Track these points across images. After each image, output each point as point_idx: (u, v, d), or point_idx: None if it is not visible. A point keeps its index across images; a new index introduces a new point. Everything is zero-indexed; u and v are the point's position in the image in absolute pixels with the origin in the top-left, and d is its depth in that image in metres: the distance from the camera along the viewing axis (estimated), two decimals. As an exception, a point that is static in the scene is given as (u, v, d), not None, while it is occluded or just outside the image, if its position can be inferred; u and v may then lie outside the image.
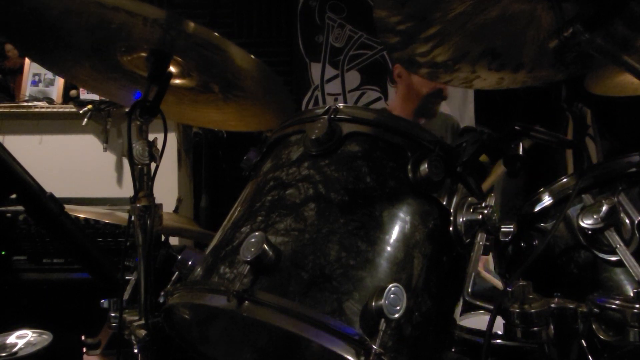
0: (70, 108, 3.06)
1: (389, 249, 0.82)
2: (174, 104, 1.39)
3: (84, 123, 2.99)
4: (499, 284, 1.81)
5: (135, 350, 1.10)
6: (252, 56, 1.13)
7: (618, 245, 0.91)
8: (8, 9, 1.10)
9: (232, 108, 1.41)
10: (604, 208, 0.92)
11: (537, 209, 1.07)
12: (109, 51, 1.19)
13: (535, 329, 0.79)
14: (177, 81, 1.28)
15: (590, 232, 0.95)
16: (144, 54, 1.18)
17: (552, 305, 0.80)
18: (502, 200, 3.16)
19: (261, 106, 1.40)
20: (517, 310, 0.80)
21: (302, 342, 0.97)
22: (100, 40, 1.16)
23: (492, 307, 0.81)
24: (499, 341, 1.08)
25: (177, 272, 0.98)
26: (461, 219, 0.88)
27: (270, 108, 1.40)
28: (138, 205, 1.16)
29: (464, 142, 0.94)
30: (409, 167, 0.88)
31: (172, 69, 1.22)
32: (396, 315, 0.74)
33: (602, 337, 0.77)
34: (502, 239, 1.01)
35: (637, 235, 0.92)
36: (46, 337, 1.70)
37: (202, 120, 1.62)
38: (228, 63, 1.21)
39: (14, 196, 1.56)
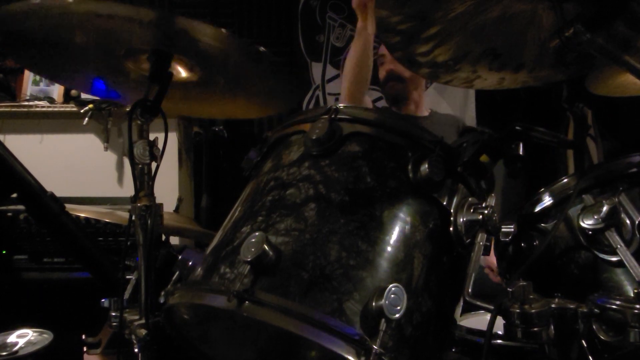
0: (71, 107, 3.06)
1: (389, 249, 0.82)
2: (182, 98, 1.38)
3: (84, 122, 2.99)
4: None
5: (136, 350, 1.10)
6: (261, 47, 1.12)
7: (618, 246, 0.91)
8: (3, 30, 1.10)
9: (240, 97, 1.40)
10: (605, 208, 0.92)
11: (537, 209, 1.07)
12: (109, 55, 1.19)
13: (535, 329, 0.79)
14: (184, 75, 1.27)
15: (590, 232, 0.95)
16: (143, 55, 1.18)
17: (553, 306, 0.80)
18: (502, 200, 3.15)
19: (269, 92, 1.39)
20: (518, 311, 0.80)
21: (302, 342, 0.97)
22: (101, 48, 1.16)
23: (492, 307, 0.81)
24: (499, 341, 1.07)
25: (177, 272, 0.98)
26: (461, 219, 0.88)
27: (278, 92, 1.39)
28: (139, 204, 1.16)
29: (464, 142, 0.94)
30: (410, 167, 0.88)
31: (178, 67, 1.22)
32: (396, 316, 0.74)
33: (602, 337, 0.77)
34: (502, 239, 1.01)
35: (638, 235, 0.92)
36: (47, 337, 1.70)
37: (213, 112, 1.61)
38: (229, 57, 1.20)
39: (14, 195, 1.56)
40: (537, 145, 0.97)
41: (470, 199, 0.90)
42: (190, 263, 0.96)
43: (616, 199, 0.93)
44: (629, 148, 1.05)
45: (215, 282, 0.83)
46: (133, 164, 1.16)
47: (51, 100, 3.15)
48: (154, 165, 1.19)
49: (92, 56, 1.22)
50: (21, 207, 2.38)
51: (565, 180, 1.06)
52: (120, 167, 3.09)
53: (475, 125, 3.41)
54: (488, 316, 0.82)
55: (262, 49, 1.13)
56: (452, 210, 0.88)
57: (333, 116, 0.92)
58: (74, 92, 3.12)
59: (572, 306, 0.80)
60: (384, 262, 0.81)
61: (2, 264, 2.56)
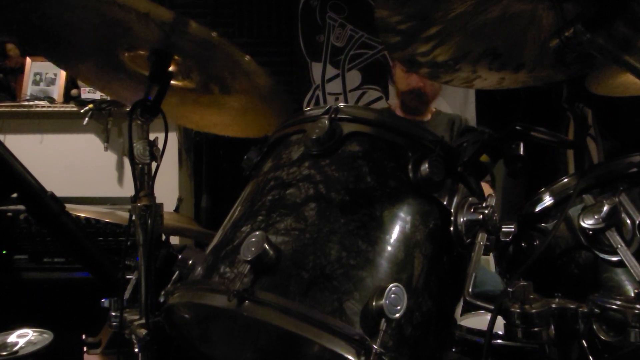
0: (71, 107, 3.07)
1: (389, 248, 0.82)
2: (177, 105, 1.39)
3: (85, 122, 2.99)
4: None
5: (136, 350, 1.10)
6: (248, 56, 1.13)
7: (619, 246, 0.91)
8: (10, 10, 1.10)
9: (232, 111, 1.41)
10: (605, 208, 0.92)
11: (538, 209, 1.07)
12: (112, 50, 1.19)
13: (535, 329, 0.79)
14: (177, 82, 1.27)
15: (591, 232, 0.95)
16: (143, 52, 1.18)
17: (553, 306, 0.80)
18: (502, 200, 3.15)
19: (262, 110, 1.40)
20: (518, 311, 0.80)
21: (302, 342, 0.97)
22: (102, 37, 1.16)
23: (492, 307, 0.81)
24: (499, 341, 1.07)
25: (177, 272, 0.98)
26: (462, 219, 0.88)
27: (270, 112, 1.40)
28: (139, 204, 1.16)
29: (464, 142, 0.94)
30: (410, 167, 0.88)
31: (171, 68, 1.22)
32: (397, 315, 0.74)
33: (602, 337, 0.77)
34: (502, 239, 1.01)
35: (638, 235, 0.92)
36: (47, 336, 1.70)
37: (205, 124, 1.62)
38: (226, 62, 1.21)
39: (15, 195, 1.56)
40: (537, 145, 0.97)
41: (470, 198, 0.90)
42: (190, 262, 0.96)
43: (616, 199, 0.93)
44: (629, 148, 1.05)
45: (215, 282, 0.83)
46: (133, 164, 1.16)
47: (51, 100, 3.15)
48: (154, 165, 1.19)
49: (93, 52, 1.22)
50: (21, 207, 2.38)
51: (566, 180, 1.06)
52: (120, 167, 3.09)
53: (475, 125, 3.41)
54: (488, 316, 0.82)
55: (247, 57, 1.13)
56: (452, 210, 0.88)
57: (333, 116, 0.92)
58: (74, 91, 3.12)
59: (572, 306, 0.80)
60: (384, 261, 0.81)
61: (2, 264, 2.57)
